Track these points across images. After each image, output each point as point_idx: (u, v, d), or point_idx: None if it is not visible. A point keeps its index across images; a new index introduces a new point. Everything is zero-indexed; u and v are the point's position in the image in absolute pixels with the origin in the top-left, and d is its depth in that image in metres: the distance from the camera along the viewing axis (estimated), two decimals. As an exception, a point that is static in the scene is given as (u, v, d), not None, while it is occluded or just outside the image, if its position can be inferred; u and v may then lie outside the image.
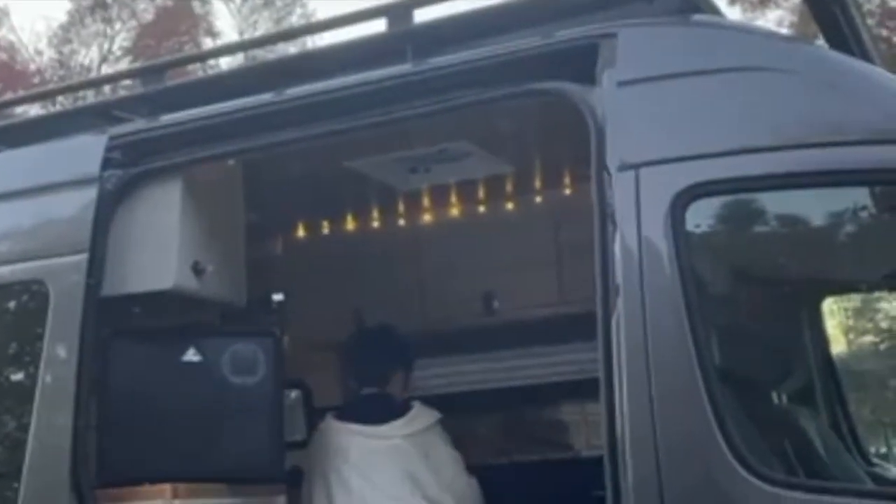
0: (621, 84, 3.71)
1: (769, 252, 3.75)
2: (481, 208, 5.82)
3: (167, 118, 4.42)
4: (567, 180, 5.53)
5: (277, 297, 6.17)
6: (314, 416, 6.38)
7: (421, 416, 5.10)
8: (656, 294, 3.46)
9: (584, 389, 5.75)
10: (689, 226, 3.53)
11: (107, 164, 4.32)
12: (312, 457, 5.14)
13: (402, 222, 5.99)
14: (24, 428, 4.17)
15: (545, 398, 6.20)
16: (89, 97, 7.04)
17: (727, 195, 3.61)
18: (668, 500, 3.32)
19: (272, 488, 4.73)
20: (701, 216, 3.58)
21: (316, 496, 5.04)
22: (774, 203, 3.61)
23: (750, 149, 3.53)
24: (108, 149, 4.34)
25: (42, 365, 4.20)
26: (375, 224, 6.00)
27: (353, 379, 5.35)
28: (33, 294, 4.35)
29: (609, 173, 3.64)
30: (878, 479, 4.50)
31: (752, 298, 3.77)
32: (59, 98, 10.97)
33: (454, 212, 5.85)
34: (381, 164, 5.19)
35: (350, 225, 6.03)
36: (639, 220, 3.54)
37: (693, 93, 3.66)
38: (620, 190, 3.60)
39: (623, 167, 3.61)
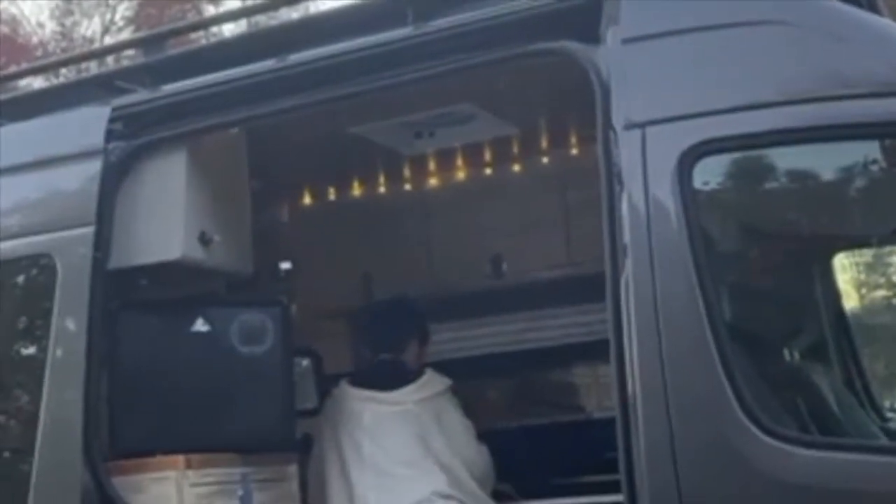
0: (626, 42, 3.67)
1: (778, 208, 3.73)
2: (488, 171, 5.79)
3: (170, 88, 4.39)
4: (573, 140, 5.50)
5: (285, 265, 6.16)
6: (325, 384, 6.40)
7: (432, 382, 5.12)
8: (665, 252, 3.44)
9: (594, 351, 5.74)
10: (697, 183, 3.50)
11: (110, 135, 4.30)
12: (325, 422, 5.16)
13: (408, 187, 5.97)
14: (36, 402, 4.17)
15: (555, 360, 6.20)
16: (93, 69, 6.99)
17: (734, 152, 3.58)
18: (680, 460, 3.31)
19: (284, 457, 4.74)
20: (708, 174, 3.55)
21: (328, 461, 5.05)
22: (782, 159, 3.58)
23: (757, 104, 3.50)
24: (112, 120, 4.32)
25: (51, 339, 4.20)
26: (382, 189, 5.98)
27: (368, 347, 5.35)
28: (41, 268, 4.34)
29: (615, 132, 3.61)
30: (893, 435, 4.49)
31: (761, 255, 3.74)
32: (63, 70, 10.95)
33: (460, 175, 5.82)
34: (385, 129, 5.17)
35: (356, 191, 6.01)
36: (646, 179, 3.52)
37: (698, 49, 3.63)
38: (627, 149, 3.57)
39: (629, 126, 3.58)
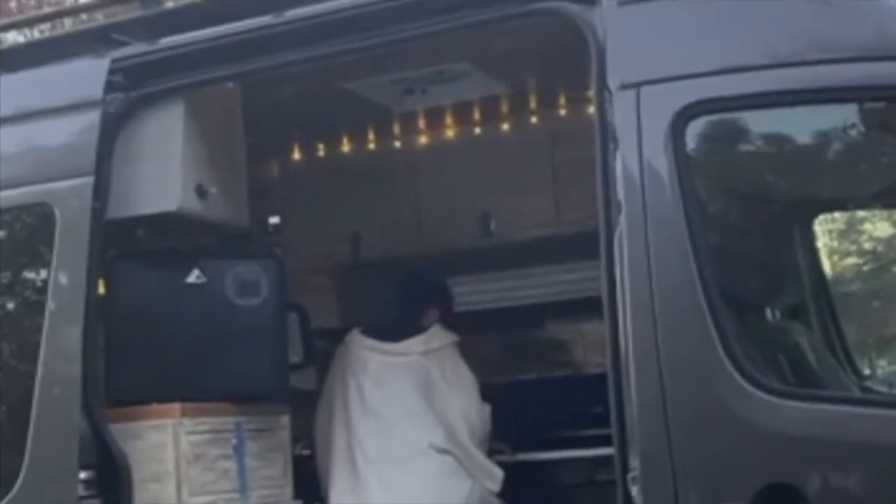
0: (622, 3, 3.72)
1: (768, 169, 3.79)
2: (477, 129, 5.85)
3: (168, 41, 4.41)
4: (562, 101, 5.56)
5: (273, 219, 6.20)
6: (311, 339, 6.46)
7: (438, 336, 5.23)
8: (658, 210, 3.50)
9: (580, 308, 5.86)
10: (690, 143, 3.57)
11: (109, 87, 4.32)
12: (335, 365, 5.29)
13: (397, 144, 6.01)
14: (34, 351, 4.21)
15: (542, 317, 6.28)
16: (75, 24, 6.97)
17: (727, 113, 3.64)
18: (671, 413, 3.38)
19: (277, 407, 4.82)
20: (701, 134, 3.61)
21: (334, 405, 5.18)
22: (775, 120, 3.64)
23: (750, 66, 3.55)
24: (111, 72, 4.33)
25: (50, 288, 4.23)
26: (371, 146, 6.03)
27: (394, 301, 5.48)
28: (39, 217, 4.36)
29: (610, 92, 3.66)
30: (868, 392, 4.59)
31: (752, 215, 3.81)
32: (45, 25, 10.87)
33: (450, 133, 5.88)
34: (377, 85, 5.21)
35: (346, 147, 6.06)
36: (640, 139, 3.57)
37: (693, 11, 3.68)
38: (621, 109, 3.62)
39: (624, 86, 3.63)
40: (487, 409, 5.22)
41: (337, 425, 5.14)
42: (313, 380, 5.96)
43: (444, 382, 5.09)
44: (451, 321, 5.45)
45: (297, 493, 4.88)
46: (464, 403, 5.12)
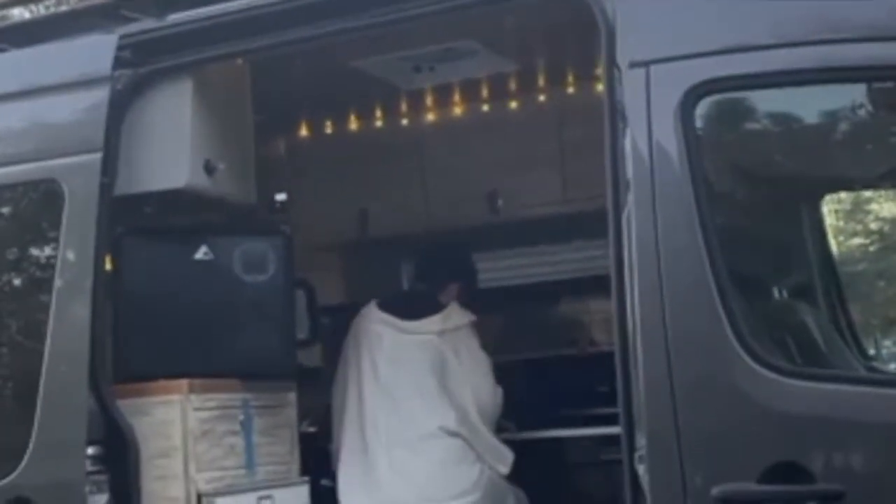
0: (632, -20, 3.71)
1: (778, 149, 3.79)
2: (485, 107, 5.84)
3: (177, 17, 4.40)
4: (570, 79, 5.55)
5: (280, 196, 6.20)
6: (318, 316, 6.47)
7: (455, 315, 5.21)
8: (667, 189, 3.49)
9: (587, 287, 5.87)
10: (699, 122, 3.55)
11: (118, 63, 4.31)
12: (350, 339, 5.26)
13: (405, 122, 6.01)
14: (42, 326, 4.21)
15: (548, 296, 6.29)
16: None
17: (736, 92, 3.63)
18: (678, 392, 3.38)
19: (284, 384, 4.83)
20: (711, 113, 3.60)
21: (350, 377, 5.17)
22: (784, 100, 3.63)
23: (760, 45, 3.53)
24: (120, 48, 4.32)
25: (58, 264, 4.22)
26: (378, 123, 6.02)
27: (414, 275, 5.51)
28: (47, 193, 4.36)
29: (619, 70, 3.65)
30: (874, 371, 4.60)
31: (760, 194, 3.81)
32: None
33: (457, 111, 5.87)
34: (385, 63, 5.20)
35: (353, 125, 6.05)
36: (649, 117, 3.55)
37: (703, -11, 3.67)
38: (630, 87, 3.61)
39: (633, 64, 3.61)
40: (500, 391, 5.21)
41: (350, 399, 5.14)
42: (319, 357, 5.98)
43: (458, 364, 5.08)
44: (473, 296, 5.43)
45: (303, 470, 4.89)
46: (477, 386, 5.11)
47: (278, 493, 4.64)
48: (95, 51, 4.39)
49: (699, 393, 3.41)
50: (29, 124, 4.49)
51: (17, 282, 4.56)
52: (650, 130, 3.55)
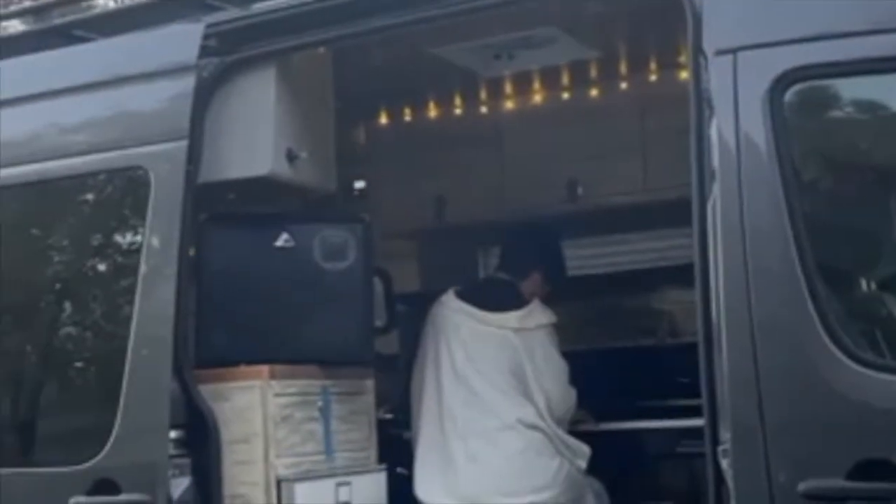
0: (720, -35, 3.65)
1: (868, 137, 3.71)
2: (565, 95, 5.80)
3: (261, 6, 4.43)
4: (653, 66, 5.49)
5: (359, 184, 6.22)
6: (394, 303, 6.48)
7: (536, 314, 5.15)
8: (754, 178, 3.44)
9: (665, 276, 5.82)
10: (788, 111, 3.49)
11: (203, 52, 4.34)
12: (427, 325, 5.25)
13: (484, 109, 5.99)
14: (128, 313, 4.26)
15: (627, 286, 6.23)
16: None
17: (826, 79, 3.56)
18: (764, 385, 3.33)
19: (362, 371, 4.84)
20: (800, 101, 3.53)
21: (427, 366, 5.16)
22: (875, 87, 3.55)
23: (849, 32, 3.47)
24: (205, 37, 4.35)
25: (143, 250, 4.27)
26: (458, 111, 6.00)
27: (498, 264, 5.47)
28: (133, 181, 4.41)
29: (706, 58, 3.60)
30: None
31: (850, 184, 3.73)
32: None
33: (537, 98, 5.84)
34: (465, 50, 5.19)
35: (432, 112, 6.04)
36: (736, 105, 3.50)
37: (792, -26, 3.60)
38: (717, 75, 3.55)
39: (720, 51, 3.56)
40: (574, 394, 5.16)
41: (427, 388, 5.13)
42: (395, 344, 6.00)
43: (532, 367, 5.02)
44: (557, 285, 5.37)
45: (380, 457, 4.90)
46: (549, 390, 5.05)
47: (356, 480, 4.65)
48: (182, 40, 4.43)
49: (786, 385, 3.35)
50: (115, 113, 4.54)
51: (102, 268, 4.62)
52: (737, 119, 3.50)
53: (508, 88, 5.81)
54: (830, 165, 3.71)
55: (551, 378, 5.08)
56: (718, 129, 3.53)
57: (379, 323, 6.45)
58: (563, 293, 5.50)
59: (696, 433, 3.71)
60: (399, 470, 5.21)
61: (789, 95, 3.50)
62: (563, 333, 5.35)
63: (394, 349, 6.01)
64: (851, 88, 3.59)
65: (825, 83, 3.57)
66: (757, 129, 3.48)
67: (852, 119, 3.67)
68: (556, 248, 5.54)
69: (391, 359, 5.86)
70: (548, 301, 5.34)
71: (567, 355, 5.27)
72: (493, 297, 5.21)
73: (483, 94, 5.89)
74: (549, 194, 5.81)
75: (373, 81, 5.37)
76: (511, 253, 5.48)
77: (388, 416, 5.68)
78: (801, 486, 3.25)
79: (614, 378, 5.63)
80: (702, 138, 3.60)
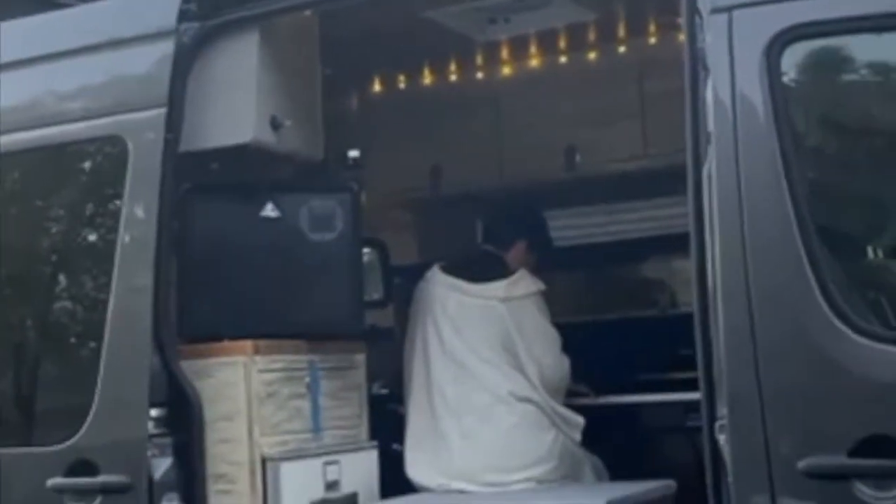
0: (713, -80, 3.51)
1: (869, 98, 3.57)
2: (562, 59, 5.66)
3: (239, -33, 4.29)
4: (652, 28, 5.37)
5: (353, 153, 6.10)
6: (391, 276, 6.37)
7: (522, 283, 5.05)
8: (750, 142, 3.32)
9: (667, 245, 5.69)
10: (785, 71, 3.37)
11: (183, 16, 4.22)
12: (415, 302, 5.15)
13: (480, 75, 5.87)
14: (106, 286, 4.15)
15: (628, 254, 6.14)
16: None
17: (824, 38, 3.42)
18: (761, 357, 3.21)
19: (352, 345, 4.74)
20: (798, 60, 3.41)
21: (416, 343, 5.05)
22: (875, 46, 3.42)
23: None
24: (184, 1, 4.23)
25: (122, 221, 4.15)
26: (453, 77, 5.89)
27: (482, 237, 5.42)
28: (111, 150, 4.29)
29: (701, 16, 3.48)
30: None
31: (850, 146, 3.60)
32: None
33: (534, 63, 5.71)
34: (459, 14, 5.07)
35: (427, 79, 5.93)
36: (732, 65, 3.38)
37: (790, -71, 3.45)
38: (712, 33, 3.43)
39: (716, 9, 3.43)
40: (567, 363, 5.05)
41: (416, 366, 5.02)
42: (391, 317, 5.89)
43: (520, 336, 4.92)
44: (542, 254, 5.28)
45: (374, 433, 4.78)
46: (539, 358, 4.95)
47: (345, 458, 4.55)
48: (160, 4, 4.30)
49: (785, 358, 3.22)
50: (92, 81, 4.43)
51: (80, 240, 4.52)
52: (733, 80, 3.37)
53: (505, 53, 5.68)
54: (830, 127, 3.59)
55: (542, 347, 4.97)
56: (714, 91, 3.41)
57: (376, 295, 6.35)
58: (562, 263, 5.38)
59: (697, 407, 3.58)
60: (395, 447, 5.10)
61: (787, 55, 3.37)
62: (562, 304, 5.24)
63: (391, 322, 5.91)
64: (852, 47, 3.46)
65: (823, 41, 3.44)
66: (754, 90, 3.36)
67: (853, 80, 3.54)
68: (537, 216, 5.44)
69: (388, 332, 5.76)
70: (546, 272, 5.23)
71: (566, 327, 5.16)
72: (478, 268, 5.11)
73: (479, 60, 5.78)
74: (547, 162, 5.71)
75: (364, 47, 5.24)
76: (493, 224, 5.41)
77: (384, 391, 5.58)
78: (801, 464, 3.14)
79: (614, 350, 5.52)
80: (697, 101, 3.48)
